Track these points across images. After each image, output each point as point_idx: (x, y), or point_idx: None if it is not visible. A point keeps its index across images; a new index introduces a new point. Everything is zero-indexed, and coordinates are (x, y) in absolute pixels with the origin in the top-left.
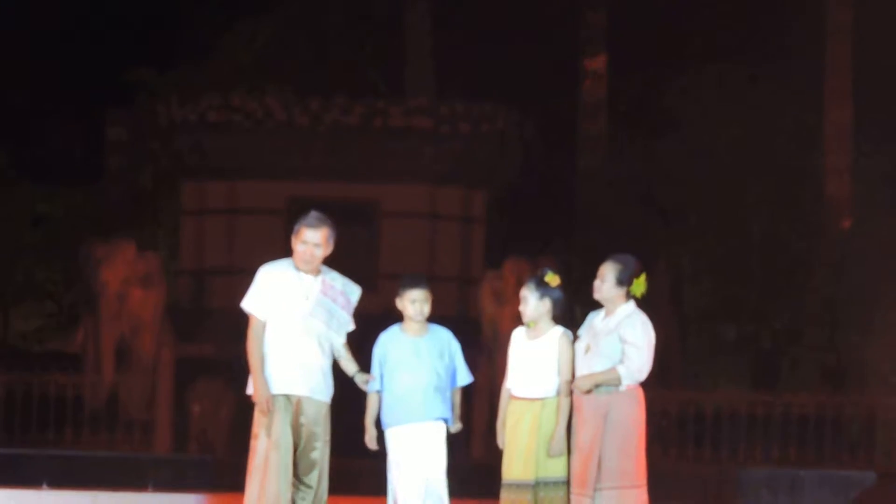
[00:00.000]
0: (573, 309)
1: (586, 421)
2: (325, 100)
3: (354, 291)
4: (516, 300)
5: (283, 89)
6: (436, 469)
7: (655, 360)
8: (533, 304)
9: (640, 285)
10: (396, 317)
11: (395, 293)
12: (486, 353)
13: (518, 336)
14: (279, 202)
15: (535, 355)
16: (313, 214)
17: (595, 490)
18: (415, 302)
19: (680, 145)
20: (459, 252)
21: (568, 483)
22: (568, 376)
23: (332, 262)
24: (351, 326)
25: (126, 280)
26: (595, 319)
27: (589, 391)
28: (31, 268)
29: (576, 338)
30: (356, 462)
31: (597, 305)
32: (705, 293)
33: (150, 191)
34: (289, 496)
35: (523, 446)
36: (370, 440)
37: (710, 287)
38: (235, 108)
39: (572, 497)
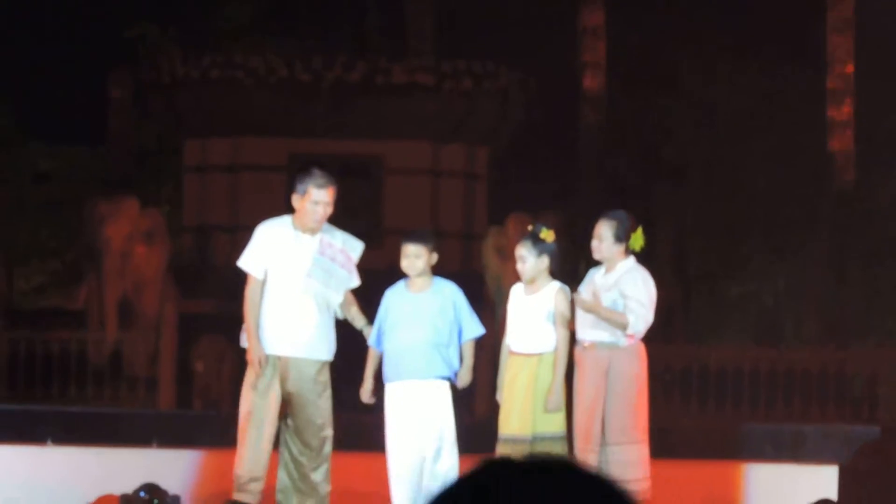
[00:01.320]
0: (577, 266)
1: (587, 376)
2: (328, 57)
3: (356, 247)
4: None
5: (286, 46)
6: (441, 429)
7: (659, 315)
8: (531, 262)
9: (637, 239)
10: (401, 272)
11: (398, 249)
12: (489, 309)
13: (516, 291)
14: (281, 159)
15: (533, 310)
16: (318, 173)
17: (598, 445)
18: (407, 256)
19: (681, 101)
20: (462, 208)
21: (567, 439)
22: (565, 331)
23: (335, 218)
24: (354, 283)
25: (129, 237)
26: (595, 276)
27: (592, 345)
28: (34, 226)
29: (574, 293)
30: (366, 417)
31: (599, 262)
32: (708, 249)
33: (153, 148)
34: (265, 458)
35: (520, 401)
36: (364, 393)
37: (713, 243)
38: (237, 65)
39: (577, 453)
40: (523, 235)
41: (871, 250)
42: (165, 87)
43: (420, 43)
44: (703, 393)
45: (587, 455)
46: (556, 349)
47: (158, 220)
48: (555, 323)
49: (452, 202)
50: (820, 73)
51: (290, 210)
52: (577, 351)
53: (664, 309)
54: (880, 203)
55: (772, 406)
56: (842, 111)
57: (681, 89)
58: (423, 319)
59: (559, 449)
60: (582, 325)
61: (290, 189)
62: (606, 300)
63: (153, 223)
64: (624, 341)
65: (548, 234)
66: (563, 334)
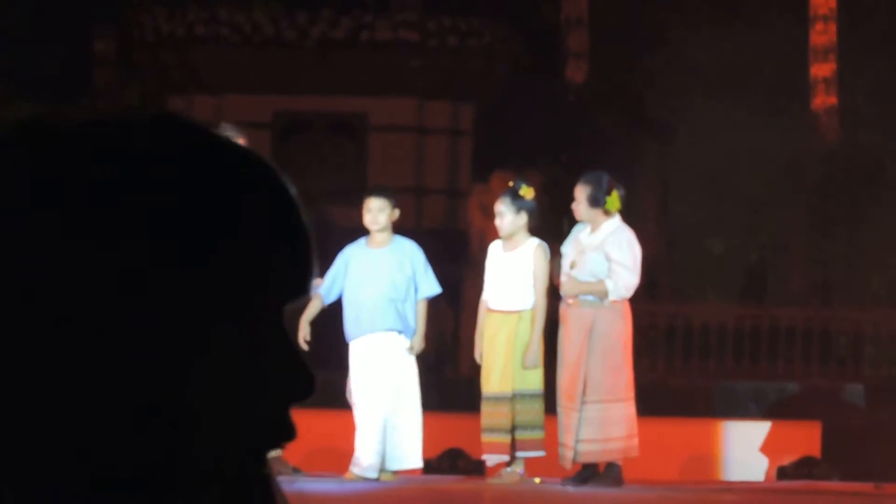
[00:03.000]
0: (562, 223)
1: (571, 334)
2: (313, 14)
3: None
4: None
5: (270, 2)
6: (399, 381)
7: (644, 273)
8: (510, 218)
9: (614, 202)
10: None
11: None
12: (473, 266)
13: (495, 249)
14: (266, 116)
15: (511, 268)
16: (226, 126)
17: (581, 403)
18: (370, 211)
19: (666, 59)
20: (447, 165)
21: (546, 396)
22: (543, 288)
23: (321, 177)
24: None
25: None
26: (581, 234)
27: (574, 298)
28: None
29: (557, 252)
30: (331, 375)
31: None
32: (693, 206)
33: (138, 105)
34: None
35: (501, 359)
36: (300, 340)
37: (698, 200)
38: (222, 21)
39: (561, 409)
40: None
41: (856, 208)
42: (150, 44)
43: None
44: (687, 351)
45: (571, 413)
46: (534, 306)
47: None
48: (534, 280)
49: (437, 159)
50: (804, 31)
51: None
52: (562, 308)
53: (648, 267)
54: (864, 161)
55: (756, 364)
56: (825, 69)
57: (665, 46)
58: (382, 275)
59: (538, 406)
60: (566, 286)
61: (276, 146)
62: (592, 260)
63: None
64: (608, 301)
65: (527, 191)
66: (542, 291)
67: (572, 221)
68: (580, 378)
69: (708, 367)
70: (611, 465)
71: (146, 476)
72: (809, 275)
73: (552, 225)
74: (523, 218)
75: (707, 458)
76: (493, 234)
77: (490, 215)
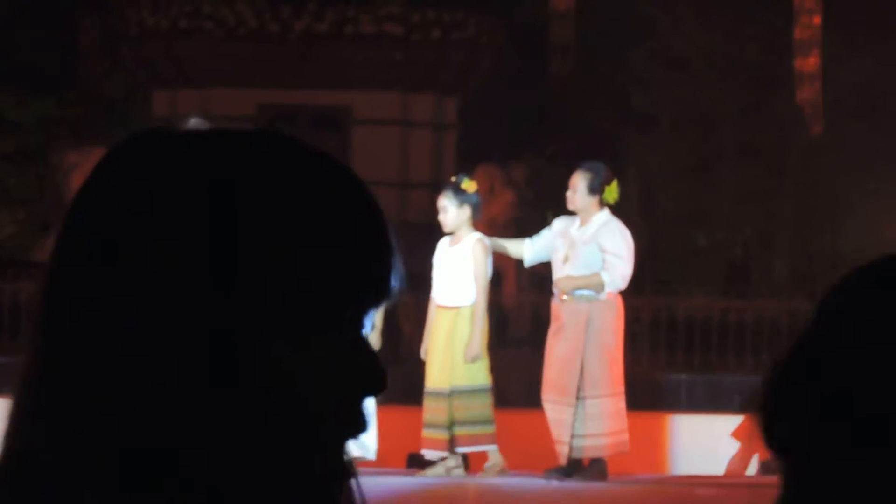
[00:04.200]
0: (545, 215)
1: (565, 328)
2: (296, 7)
3: None
4: (488, 206)
5: None
6: None
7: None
8: (453, 212)
9: (612, 192)
10: None
11: None
12: None
13: (442, 244)
14: (250, 109)
15: (453, 263)
16: (193, 122)
17: (578, 398)
18: None
19: (651, 51)
20: (431, 158)
21: (485, 391)
22: (483, 283)
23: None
24: None
25: None
26: (571, 228)
27: (569, 294)
28: (2, 176)
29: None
30: None
31: (566, 212)
32: (677, 199)
33: (122, 98)
34: None
35: (439, 355)
36: None
37: (682, 193)
38: (206, 15)
39: (550, 406)
40: (496, 185)
41: (839, 201)
42: (134, 38)
43: None
44: (671, 344)
45: (563, 408)
46: (475, 302)
47: None
48: (473, 275)
49: (421, 152)
50: (788, 24)
51: None
52: (554, 304)
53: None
54: (848, 154)
55: (740, 357)
56: (809, 62)
57: (650, 39)
58: None
59: (480, 401)
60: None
61: None
62: (585, 253)
63: None
64: (603, 294)
65: (469, 185)
66: (482, 286)
67: (556, 214)
68: (575, 373)
69: (692, 360)
70: (596, 460)
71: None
72: (794, 268)
73: (536, 217)
74: (466, 212)
75: (690, 451)
76: (477, 229)
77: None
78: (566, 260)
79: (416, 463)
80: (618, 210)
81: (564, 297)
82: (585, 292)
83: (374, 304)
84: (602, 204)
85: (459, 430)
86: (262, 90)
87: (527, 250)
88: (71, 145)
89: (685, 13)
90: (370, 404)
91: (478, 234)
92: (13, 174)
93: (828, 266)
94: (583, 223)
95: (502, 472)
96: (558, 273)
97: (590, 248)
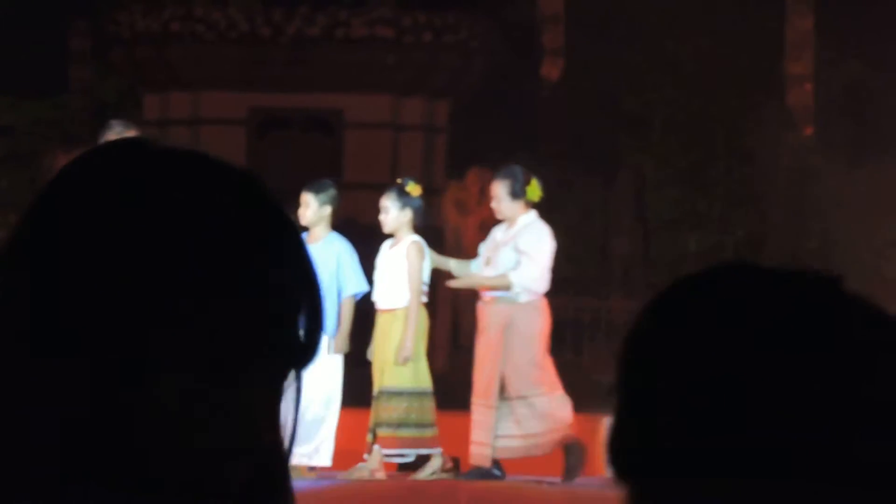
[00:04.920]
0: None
1: (486, 330)
2: (288, 10)
3: None
4: (479, 210)
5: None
6: (319, 380)
7: (620, 269)
8: (394, 214)
9: (534, 191)
10: (360, 225)
11: (358, 203)
12: None
13: (384, 247)
14: (241, 113)
15: (390, 265)
16: (115, 122)
17: (502, 400)
18: (299, 206)
19: (643, 55)
20: (422, 162)
21: (416, 394)
22: (416, 286)
23: (296, 173)
24: None
25: None
26: (497, 232)
27: (490, 295)
28: None
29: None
30: None
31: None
32: (669, 202)
33: (113, 101)
34: None
35: (376, 357)
36: None
37: (674, 196)
38: (198, 18)
39: (474, 407)
40: (487, 189)
41: (830, 204)
42: (125, 41)
43: None
44: None
45: (487, 410)
46: (408, 304)
47: None
48: (407, 277)
49: (412, 156)
50: (780, 25)
51: (248, 163)
52: (479, 306)
53: (624, 262)
54: (839, 156)
55: None
56: (800, 64)
57: (641, 41)
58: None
59: (403, 405)
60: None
61: (251, 142)
62: (502, 255)
63: None
64: (525, 296)
65: (413, 188)
66: (415, 288)
67: (547, 218)
68: (492, 375)
69: None
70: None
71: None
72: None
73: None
74: (407, 214)
75: None
76: (468, 232)
77: (465, 212)
78: (487, 262)
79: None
80: (611, 212)
81: (486, 298)
82: (507, 294)
83: (288, 366)
84: (528, 205)
85: (381, 432)
86: (253, 93)
87: (474, 269)
88: (62, 148)
89: (676, 15)
90: (328, 410)
91: (415, 237)
92: (5, 177)
93: (819, 269)
94: (510, 225)
95: (444, 473)
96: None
97: (507, 249)
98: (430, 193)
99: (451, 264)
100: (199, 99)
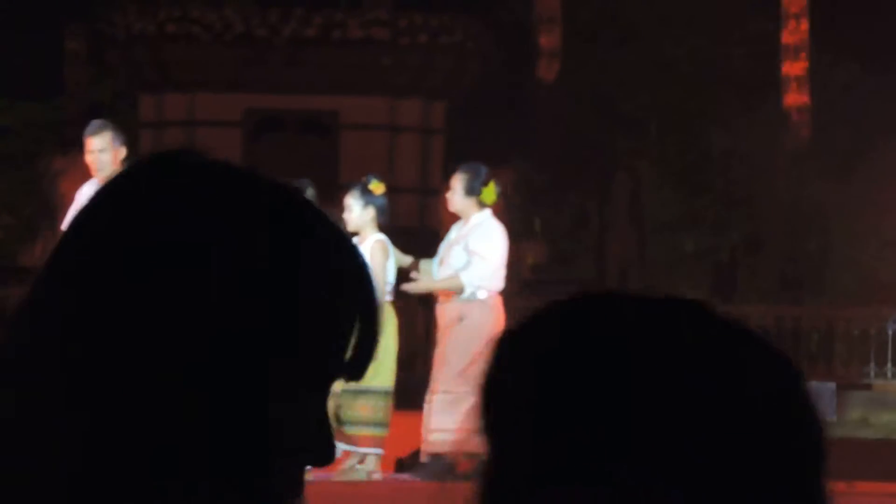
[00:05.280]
0: (532, 219)
1: (442, 328)
2: (284, 12)
3: None
4: None
5: (242, 1)
6: None
7: (614, 269)
8: (357, 212)
9: (489, 193)
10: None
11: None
12: None
13: None
14: (237, 114)
15: None
16: (93, 122)
17: (434, 393)
18: None
19: (639, 57)
20: (419, 163)
21: (374, 392)
22: (380, 284)
23: (292, 175)
24: None
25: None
26: (453, 231)
27: (445, 295)
28: None
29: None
30: None
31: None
32: (665, 204)
33: (109, 103)
34: None
35: None
36: None
37: (670, 197)
38: (194, 19)
39: (436, 397)
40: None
41: (826, 205)
42: (121, 42)
43: None
44: None
45: (427, 404)
46: None
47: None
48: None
49: (409, 157)
50: (776, 28)
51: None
52: (437, 306)
53: (619, 263)
54: (834, 158)
55: None
56: (796, 67)
57: (637, 43)
58: None
59: (360, 402)
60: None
61: (247, 143)
62: (453, 254)
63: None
64: (479, 294)
65: (376, 187)
66: (379, 287)
67: (543, 220)
68: (462, 366)
69: None
70: (438, 455)
71: None
72: (781, 272)
73: (524, 222)
74: (370, 213)
75: None
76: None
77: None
78: (441, 262)
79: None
80: (606, 214)
81: (442, 297)
82: (462, 293)
83: (342, 377)
84: (481, 205)
85: (350, 430)
86: (249, 95)
87: (434, 268)
88: (58, 150)
89: (672, 17)
90: None
91: (379, 236)
92: (0, 180)
93: (814, 271)
94: (464, 223)
95: (369, 476)
96: (436, 275)
97: (458, 248)
98: (426, 195)
99: (413, 262)
100: (195, 100)
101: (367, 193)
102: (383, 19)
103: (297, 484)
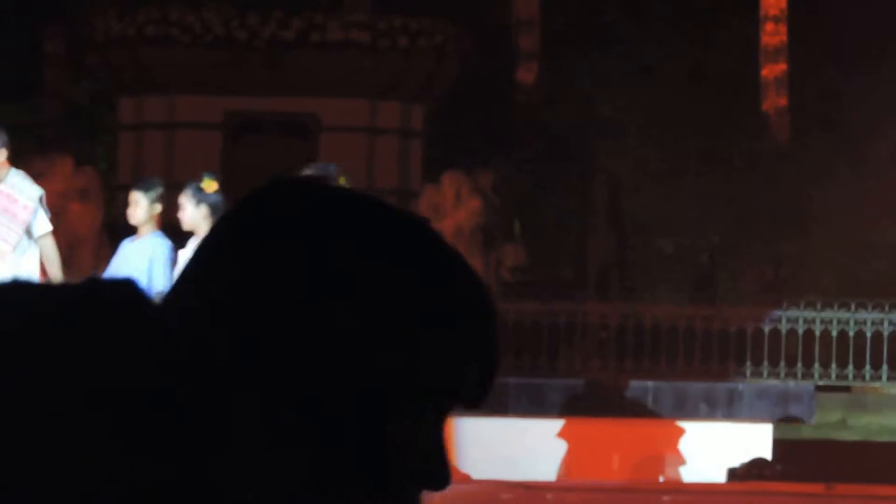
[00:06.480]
0: (511, 221)
1: None
2: (263, 14)
3: (23, 189)
4: (455, 213)
5: (221, 3)
6: None
7: (593, 272)
8: (190, 210)
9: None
10: None
11: None
12: None
13: (189, 245)
14: (217, 117)
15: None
16: None
17: None
18: (129, 204)
19: (618, 59)
20: (398, 166)
21: None
22: None
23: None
24: (17, 229)
25: (64, 195)
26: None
27: None
28: None
29: None
30: None
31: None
32: (644, 206)
33: (88, 105)
34: None
35: None
36: None
37: (649, 199)
38: (173, 22)
39: None
40: (462, 192)
41: (805, 208)
42: (100, 44)
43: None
44: (638, 350)
45: None
46: None
47: (93, 177)
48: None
49: (388, 160)
50: (755, 31)
51: (226, 168)
52: None
53: (599, 266)
54: (813, 161)
55: (707, 364)
56: (776, 69)
57: (616, 45)
58: (127, 266)
59: None
60: None
61: (227, 146)
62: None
63: (88, 181)
64: None
65: (209, 185)
66: None
67: (523, 222)
68: None
69: (659, 367)
70: None
71: None
72: (760, 275)
73: (503, 224)
74: (203, 211)
75: (657, 458)
76: (444, 235)
77: (441, 216)
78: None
79: None
80: (586, 217)
81: None
82: None
83: (465, 404)
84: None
85: None
86: (229, 97)
87: None
88: (36, 152)
89: (651, 19)
90: None
91: None
92: None
93: (794, 273)
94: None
95: None
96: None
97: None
98: (405, 197)
99: None
100: (174, 103)
101: (199, 192)
102: (363, 22)
103: None
